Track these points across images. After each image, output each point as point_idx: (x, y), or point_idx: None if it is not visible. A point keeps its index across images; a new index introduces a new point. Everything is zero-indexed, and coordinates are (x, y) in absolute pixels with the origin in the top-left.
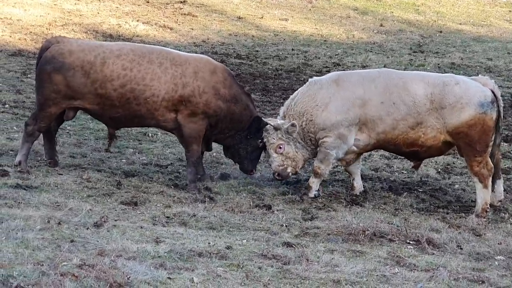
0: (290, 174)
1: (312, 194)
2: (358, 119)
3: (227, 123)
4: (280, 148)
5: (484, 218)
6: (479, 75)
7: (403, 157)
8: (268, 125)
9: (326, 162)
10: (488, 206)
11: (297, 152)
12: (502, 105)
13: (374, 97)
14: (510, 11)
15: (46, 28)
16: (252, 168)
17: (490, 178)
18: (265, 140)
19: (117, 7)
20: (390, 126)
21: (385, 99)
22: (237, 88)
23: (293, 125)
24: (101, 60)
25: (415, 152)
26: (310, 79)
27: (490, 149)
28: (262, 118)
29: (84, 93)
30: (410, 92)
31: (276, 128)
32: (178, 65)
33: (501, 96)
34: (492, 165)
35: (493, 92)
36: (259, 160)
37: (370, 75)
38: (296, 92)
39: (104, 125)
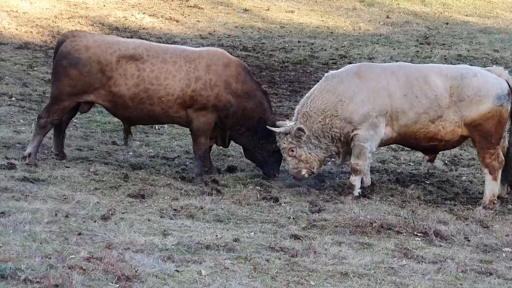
0: (306, 175)
1: (356, 192)
2: (385, 110)
3: (237, 119)
4: (293, 151)
5: (491, 209)
6: (494, 66)
7: (410, 149)
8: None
9: (362, 156)
10: (496, 198)
11: (310, 154)
12: None
13: (397, 89)
14: None
15: (52, 21)
16: (274, 172)
17: (500, 171)
18: (278, 144)
19: (123, 0)
20: (412, 119)
21: (408, 92)
22: (251, 84)
23: (299, 129)
24: (116, 59)
25: (434, 147)
26: (326, 74)
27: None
28: (274, 122)
29: (98, 88)
30: (431, 86)
31: (285, 133)
32: (192, 61)
33: None
34: (503, 158)
35: (507, 82)
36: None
37: (390, 68)
38: (312, 89)
39: (111, 117)
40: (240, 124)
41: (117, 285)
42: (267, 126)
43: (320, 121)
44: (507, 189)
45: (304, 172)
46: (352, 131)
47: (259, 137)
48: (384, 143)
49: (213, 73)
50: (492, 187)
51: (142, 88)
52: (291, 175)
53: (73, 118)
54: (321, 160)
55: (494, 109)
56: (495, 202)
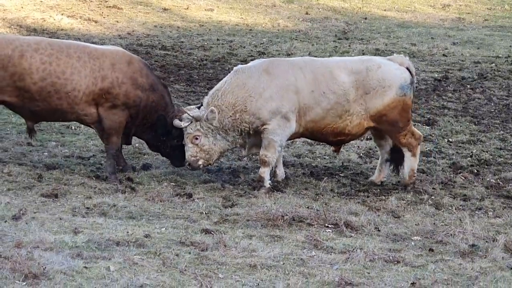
0: (201, 166)
1: (267, 184)
2: (294, 106)
3: (147, 113)
4: (197, 139)
5: (411, 185)
6: (395, 54)
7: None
8: (186, 115)
9: (271, 149)
10: (415, 173)
11: (214, 145)
12: (415, 80)
13: (305, 86)
14: None
15: None
16: (180, 165)
17: (419, 146)
18: (184, 129)
19: (41, 1)
20: (320, 115)
21: (315, 88)
22: (153, 77)
23: (212, 111)
24: (19, 53)
25: (341, 141)
26: (235, 68)
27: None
28: (174, 116)
29: (3, 86)
30: (337, 81)
31: (196, 119)
32: (96, 59)
33: (424, 80)
34: (420, 134)
35: (409, 70)
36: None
37: (297, 64)
38: (222, 82)
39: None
40: (147, 118)
41: (24, 283)
42: (182, 109)
43: (230, 116)
44: (391, 170)
45: (201, 162)
46: (262, 125)
47: (161, 132)
48: (290, 137)
49: (119, 71)
50: (410, 163)
51: (49, 82)
52: (186, 162)
53: None
54: (222, 152)
55: (397, 99)
56: (414, 176)
